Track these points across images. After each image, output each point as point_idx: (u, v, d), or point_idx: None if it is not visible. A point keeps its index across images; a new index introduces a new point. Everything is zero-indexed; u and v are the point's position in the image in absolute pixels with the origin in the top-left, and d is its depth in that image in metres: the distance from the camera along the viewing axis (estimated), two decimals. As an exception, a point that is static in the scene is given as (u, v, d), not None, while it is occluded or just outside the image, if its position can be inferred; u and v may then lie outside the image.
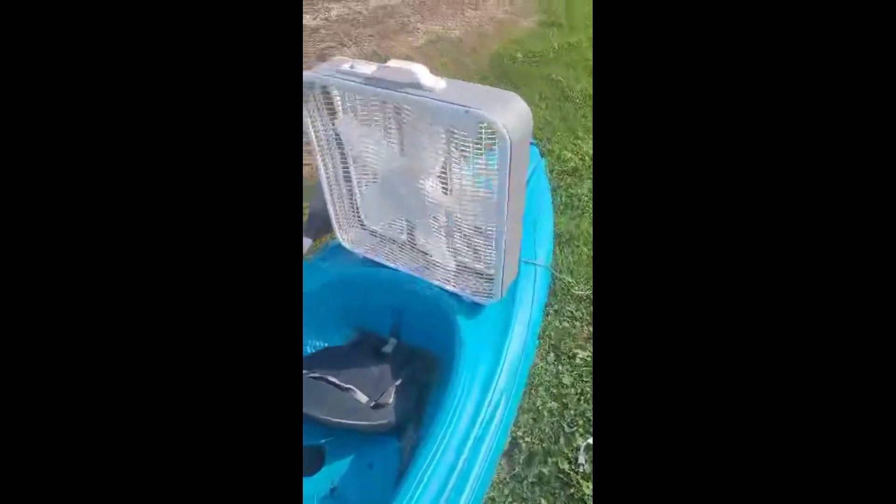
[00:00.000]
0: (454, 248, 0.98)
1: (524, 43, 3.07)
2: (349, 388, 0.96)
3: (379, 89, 0.78)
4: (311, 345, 1.11)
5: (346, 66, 0.82)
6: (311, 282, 1.03)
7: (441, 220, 0.94)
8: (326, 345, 1.11)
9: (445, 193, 0.88)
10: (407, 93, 0.75)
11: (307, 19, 2.92)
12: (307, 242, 1.17)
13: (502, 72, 2.70)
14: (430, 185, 0.87)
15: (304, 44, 2.38)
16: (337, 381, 0.96)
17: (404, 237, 1.05)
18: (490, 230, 0.87)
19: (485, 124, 0.71)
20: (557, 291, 1.39)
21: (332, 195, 1.04)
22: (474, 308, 0.97)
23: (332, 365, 1.01)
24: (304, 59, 2.20)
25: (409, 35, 2.96)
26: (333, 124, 0.92)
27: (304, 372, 0.99)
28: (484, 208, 0.83)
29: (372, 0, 3.30)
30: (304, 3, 3.02)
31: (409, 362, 1.05)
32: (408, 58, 1.82)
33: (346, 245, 1.10)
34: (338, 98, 0.90)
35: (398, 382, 0.99)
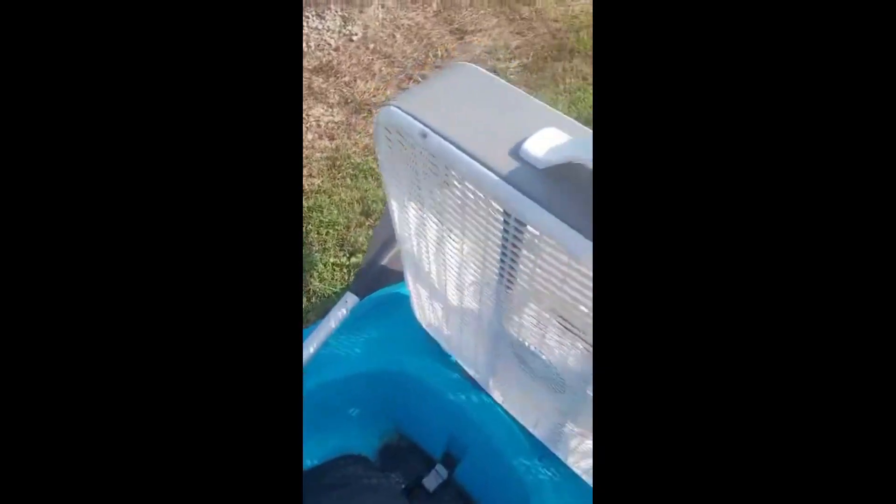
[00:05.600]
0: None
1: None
2: None
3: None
4: (330, 445, 0.83)
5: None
6: (346, 362, 0.79)
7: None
8: (346, 453, 0.83)
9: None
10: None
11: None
12: (352, 300, 0.84)
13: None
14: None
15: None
16: None
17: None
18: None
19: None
20: None
21: (412, 270, 0.70)
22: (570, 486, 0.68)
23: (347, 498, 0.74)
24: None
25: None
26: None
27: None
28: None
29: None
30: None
31: None
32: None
33: (423, 324, 0.80)
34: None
35: None
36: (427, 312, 0.77)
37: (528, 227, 0.39)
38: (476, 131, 0.41)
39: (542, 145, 0.39)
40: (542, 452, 0.72)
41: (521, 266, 0.45)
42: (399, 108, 0.43)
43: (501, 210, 0.40)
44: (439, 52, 2.09)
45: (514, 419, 0.74)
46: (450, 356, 0.79)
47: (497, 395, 0.75)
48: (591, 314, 0.41)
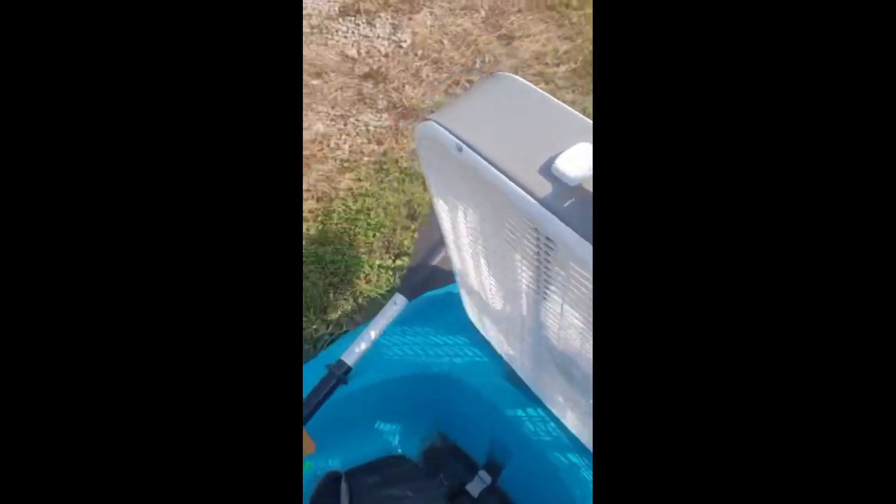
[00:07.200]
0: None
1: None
2: None
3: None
4: (376, 445, 0.84)
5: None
6: (388, 363, 0.82)
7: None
8: (391, 453, 0.84)
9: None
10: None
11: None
12: (401, 300, 0.85)
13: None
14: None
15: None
16: None
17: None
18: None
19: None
20: None
21: (459, 272, 0.72)
22: None
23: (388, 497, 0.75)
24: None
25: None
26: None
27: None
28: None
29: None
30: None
31: None
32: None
33: (474, 322, 0.81)
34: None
35: None
36: (476, 312, 0.78)
37: (557, 244, 0.39)
38: (510, 146, 0.41)
39: (573, 162, 0.38)
40: (591, 462, 0.70)
41: (554, 278, 0.44)
42: (437, 122, 0.44)
43: (533, 226, 0.40)
44: (487, 58, 2.09)
45: (562, 429, 0.73)
46: (499, 359, 0.79)
47: (544, 398, 0.74)
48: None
